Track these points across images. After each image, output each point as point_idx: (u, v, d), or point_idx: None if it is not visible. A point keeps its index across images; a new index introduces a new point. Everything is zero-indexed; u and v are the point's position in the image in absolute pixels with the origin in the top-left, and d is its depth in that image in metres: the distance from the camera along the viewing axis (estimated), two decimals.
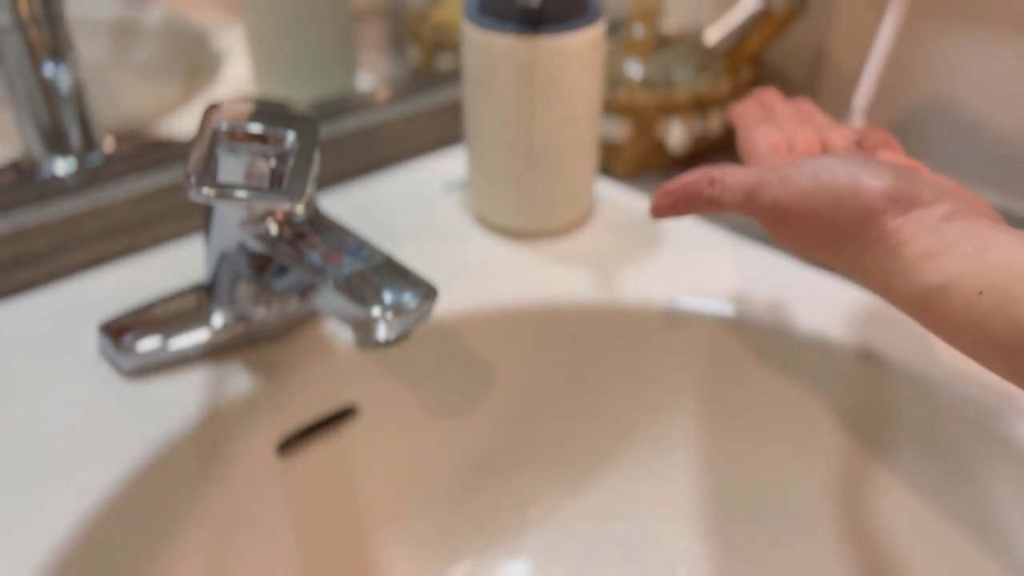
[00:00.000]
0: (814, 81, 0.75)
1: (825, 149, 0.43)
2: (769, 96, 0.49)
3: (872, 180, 0.34)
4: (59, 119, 0.52)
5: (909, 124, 0.70)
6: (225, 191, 0.38)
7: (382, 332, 0.37)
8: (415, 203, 0.61)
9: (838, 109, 0.73)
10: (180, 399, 0.44)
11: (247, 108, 0.42)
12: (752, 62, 0.73)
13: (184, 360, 0.45)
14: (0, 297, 0.50)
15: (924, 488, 0.46)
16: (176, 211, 0.55)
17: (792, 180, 0.36)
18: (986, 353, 0.30)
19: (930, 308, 0.31)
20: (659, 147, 0.70)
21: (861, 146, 0.43)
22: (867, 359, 0.47)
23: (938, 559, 0.46)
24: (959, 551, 0.45)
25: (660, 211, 0.41)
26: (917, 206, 0.33)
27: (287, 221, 0.41)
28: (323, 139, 0.61)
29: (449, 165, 0.65)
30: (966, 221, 0.32)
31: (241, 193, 0.38)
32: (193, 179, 0.38)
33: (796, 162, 0.37)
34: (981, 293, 0.29)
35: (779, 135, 0.43)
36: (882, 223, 0.33)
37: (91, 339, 0.47)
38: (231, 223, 0.42)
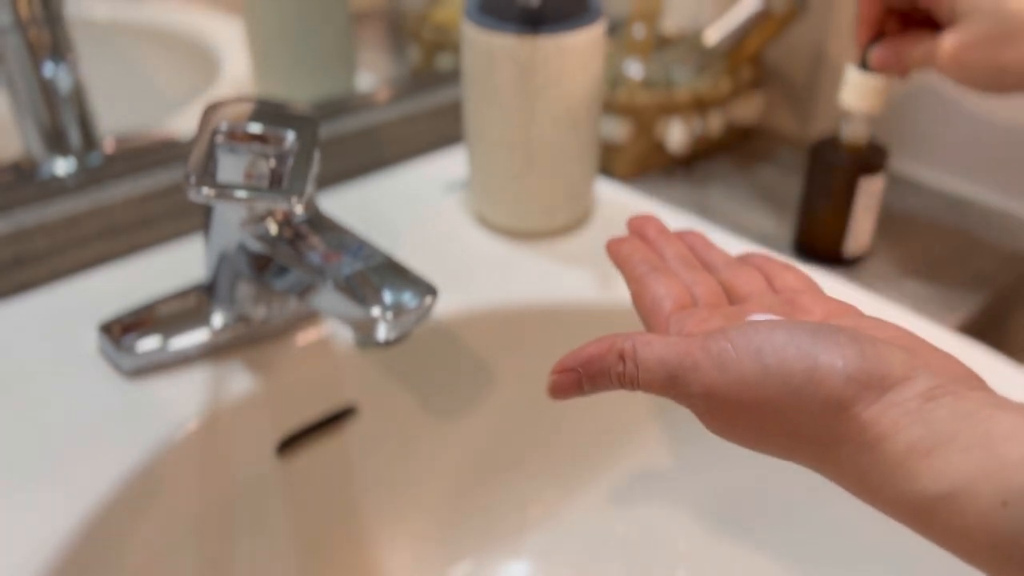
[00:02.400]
0: (814, 81, 0.75)
1: (731, 298, 0.36)
2: (651, 227, 0.40)
3: (833, 360, 0.27)
4: (59, 119, 0.52)
5: (909, 124, 0.70)
6: (225, 191, 0.38)
7: (382, 332, 0.37)
8: (415, 203, 0.61)
9: (838, 110, 0.74)
10: (180, 399, 0.44)
11: (247, 108, 0.42)
12: (752, 62, 0.73)
13: (184, 360, 0.46)
14: (0, 297, 0.50)
15: None
16: (176, 211, 0.55)
17: (728, 363, 0.28)
18: (1017, 574, 0.24)
19: (933, 519, 0.25)
20: (659, 147, 0.70)
21: (775, 290, 0.36)
22: None
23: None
24: None
25: (560, 390, 0.33)
26: (891, 386, 0.27)
27: (287, 221, 0.41)
28: (323, 139, 0.61)
29: (449, 165, 0.65)
30: (952, 398, 0.26)
31: (241, 193, 0.38)
32: (193, 179, 0.38)
33: (727, 335, 0.29)
34: (1005, 504, 0.23)
35: (679, 285, 0.35)
36: (854, 415, 0.27)
37: (91, 339, 0.47)
38: (231, 223, 0.42)
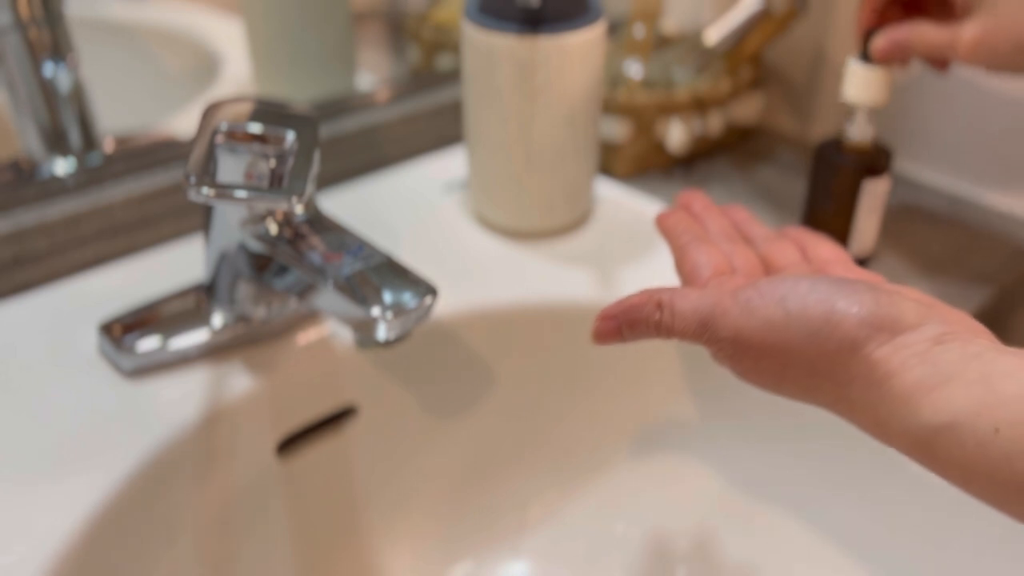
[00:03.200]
0: (814, 81, 0.75)
1: (768, 269, 0.39)
2: (698, 202, 0.43)
3: (849, 306, 0.29)
4: (59, 119, 0.52)
5: (910, 124, 0.70)
6: (225, 191, 0.38)
7: (382, 332, 0.37)
8: (415, 203, 0.61)
9: (838, 110, 0.74)
10: (180, 399, 0.44)
11: (247, 108, 0.42)
12: (752, 62, 0.73)
13: (184, 360, 0.45)
14: (0, 297, 0.50)
15: (930, 483, 0.46)
16: (176, 211, 0.55)
17: (755, 308, 0.31)
18: (1009, 498, 0.26)
19: (935, 450, 0.27)
20: (659, 147, 0.70)
21: (808, 261, 0.39)
22: None
23: (947, 557, 0.46)
24: (966, 550, 0.45)
25: (602, 336, 0.35)
26: (903, 331, 0.29)
27: (287, 221, 0.41)
28: (323, 139, 0.61)
29: (449, 165, 0.65)
30: (960, 343, 0.28)
31: (241, 193, 0.38)
32: (193, 179, 0.38)
33: (756, 285, 0.32)
34: (997, 431, 0.26)
35: (719, 255, 0.38)
36: (866, 355, 0.29)
37: (91, 339, 0.47)
38: (231, 223, 0.42)
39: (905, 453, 0.29)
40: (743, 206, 0.44)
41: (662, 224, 0.42)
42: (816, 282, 0.31)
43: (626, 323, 0.35)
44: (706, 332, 0.33)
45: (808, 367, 0.30)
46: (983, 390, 0.26)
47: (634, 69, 0.69)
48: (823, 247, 0.39)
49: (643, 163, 0.70)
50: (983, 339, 0.29)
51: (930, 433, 0.27)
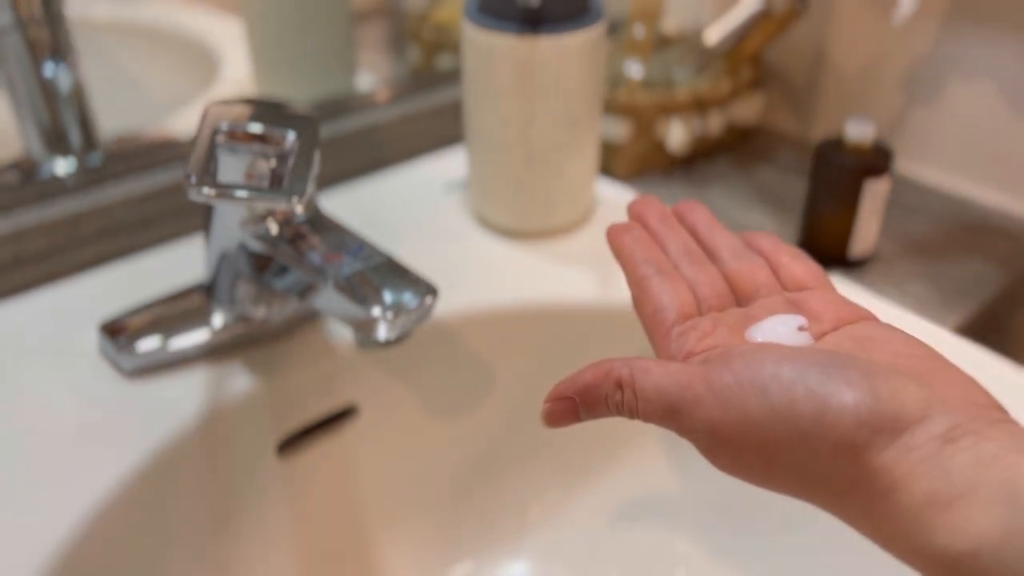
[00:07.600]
0: (814, 81, 0.75)
1: (737, 295, 0.35)
2: (653, 214, 0.38)
3: (843, 402, 0.25)
4: (59, 119, 0.52)
5: (909, 124, 0.70)
6: (225, 191, 0.38)
7: (382, 332, 0.37)
8: (415, 203, 0.61)
9: (838, 110, 0.74)
10: (180, 399, 0.44)
11: (247, 108, 0.42)
12: (752, 62, 0.73)
13: (184, 360, 0.45)
14: (0, 297, 0.50)
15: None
16: (176, 211, 0.55)
17: (732, 400, 0.27)
18: None
19: None
20: (659, 147, 0.70)
21: (781, 282, 0.35)
22: None
23: None
24: None
25: (556, 418, 0.32)
26: (906, 428, 0.25)
27: (287, 221, 0.41)
28: (323, 139, 0.61)
29: (449, 165, 0.65)
30: (972, 439, 0.24)
31: (241, 193, 0.38)
32: (193, 179, 0.38)
33: (731, 364, 0.28)
34: None
35: (683, 290, 0.34)
36: (866, 462, 0.25)
37: (91, 339, 0.47)
38: (231, 223, 0.42)
39: (918, 571, 0.25)
40: (701, 204, 0.39)
41: (616, 244, 0.37)
42: (802, 367, 0.26)
43: (582, 404, 0.31)
44: (675, 420, 0.29)
45: (797, 468, 0.27)
46: (1007, 511, 0.23)
47: (634, 69, 0.69)
48: (796, 264, 0.35)
49: (643, 163, 0.70)
50: (996, 427, 0.25)
51: (948, 559, 0.23)
